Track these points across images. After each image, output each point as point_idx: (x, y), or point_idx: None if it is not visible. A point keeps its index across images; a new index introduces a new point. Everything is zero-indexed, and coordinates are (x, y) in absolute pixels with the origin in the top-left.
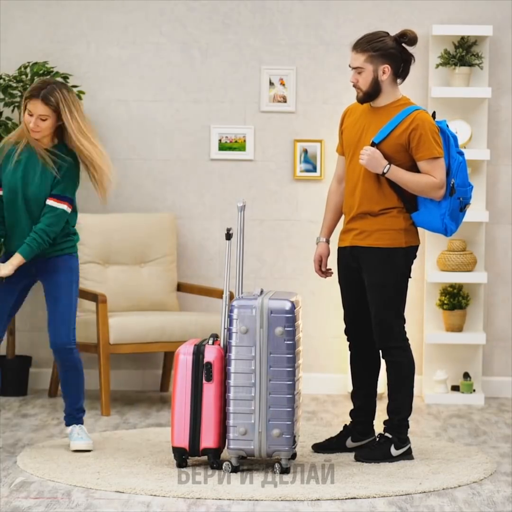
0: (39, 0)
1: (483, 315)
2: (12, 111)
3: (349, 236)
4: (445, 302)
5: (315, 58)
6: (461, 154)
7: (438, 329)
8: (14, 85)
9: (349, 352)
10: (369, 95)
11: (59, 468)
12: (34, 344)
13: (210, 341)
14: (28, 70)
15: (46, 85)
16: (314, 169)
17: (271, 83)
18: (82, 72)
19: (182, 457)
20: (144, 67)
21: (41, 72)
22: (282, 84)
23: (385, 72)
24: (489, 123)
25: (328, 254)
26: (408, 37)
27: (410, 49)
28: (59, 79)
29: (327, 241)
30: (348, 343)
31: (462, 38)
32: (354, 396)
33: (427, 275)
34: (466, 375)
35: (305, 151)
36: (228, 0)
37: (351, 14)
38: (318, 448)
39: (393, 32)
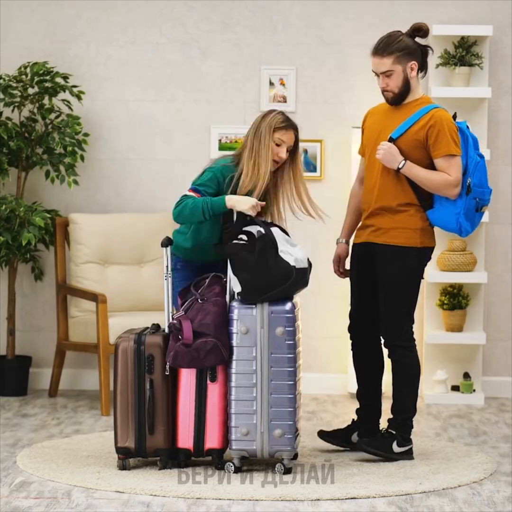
0: (38, 0)
1: (483, 315)
2: (12, 111)
3: (365, 232)
4: (445, 302)
5: (315, 58)
6: (481, 156)
7: (438, 329)
8: (14, 85)
9: (351, 352)
10: (402, 95)
11: (59, 468)
12: (34, 344)
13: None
14: (28, 70)
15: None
16: (314, 169)
17: (271, 83)
18: (82, 72)
19: (187, 458)
20: (144, 67)
21: (41, 72)
22: (282, 84)
23: (413, 68)
24: (489, 123)
25: (347, 255)
26: (423, 30)
27: (423, 41)
28: (59, 79)
29: (347, 242)
30: (350, 342)
31: (462, 38)
32: (360, 395)
33: (427, 275)
34: (466, 375)
35: (305, 151)
36: (228, 0)
37: (351, 14)
38: (324, 435)
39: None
